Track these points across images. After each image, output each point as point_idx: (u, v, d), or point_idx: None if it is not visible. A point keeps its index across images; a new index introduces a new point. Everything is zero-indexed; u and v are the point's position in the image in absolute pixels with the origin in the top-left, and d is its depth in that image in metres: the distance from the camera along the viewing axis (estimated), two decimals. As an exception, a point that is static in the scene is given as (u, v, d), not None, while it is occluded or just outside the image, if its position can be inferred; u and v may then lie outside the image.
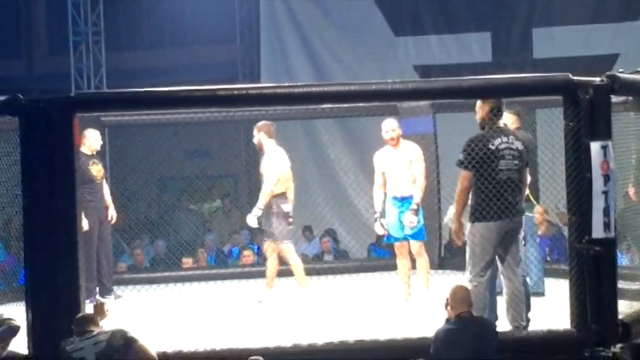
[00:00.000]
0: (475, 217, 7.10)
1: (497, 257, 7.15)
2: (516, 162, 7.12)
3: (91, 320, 6.27)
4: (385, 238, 9.17)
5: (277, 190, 8.93)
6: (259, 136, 9.03)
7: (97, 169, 9.26)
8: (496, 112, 7.21)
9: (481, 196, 7.05)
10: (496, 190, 7.00)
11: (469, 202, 7.16)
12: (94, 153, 9.30)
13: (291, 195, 9.10)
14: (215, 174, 14.50)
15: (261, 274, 10.62)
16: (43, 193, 6.75)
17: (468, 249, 7.20)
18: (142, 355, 6.08)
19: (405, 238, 8.67)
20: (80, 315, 6.49)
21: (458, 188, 7.25)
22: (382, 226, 8.79)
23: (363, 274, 10.55)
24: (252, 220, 8.96)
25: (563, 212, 9.04)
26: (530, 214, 8.57)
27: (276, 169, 8.92)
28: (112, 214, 9.58)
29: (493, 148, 7.06)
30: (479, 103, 7.30)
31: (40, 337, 6.72)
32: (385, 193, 8.74)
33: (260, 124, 9.06)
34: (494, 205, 7.00)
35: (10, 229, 9.73)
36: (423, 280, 8.61)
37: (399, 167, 8.56)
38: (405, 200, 8.54)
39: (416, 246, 8.64)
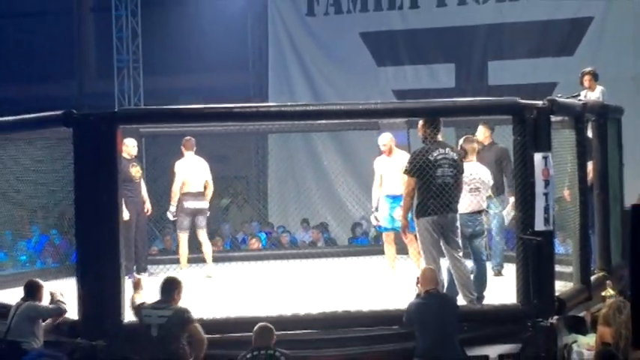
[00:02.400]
0: (419, 214, 7.09)
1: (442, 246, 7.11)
2: (451, 170, 7.05)
3: (173, 290, 6.17)
4: (378, 228, 9.11)
5: (184, 190, 9.15)
6: (182, 148, 9.31)
7: (135, 171, 9.25)
8: (434, 130, 7.15)
9: (422, 197, 7.03)
10: (433, 192, 6.97)
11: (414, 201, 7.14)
12: (132, 157, 9.30)
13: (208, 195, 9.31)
14: (230, 175, 14.46)
15: (267, 257, 10.69)
16: (91, 190, 6.76)
17: (419, 239, 7.20)
18: (195, 335, 6.04)
19: (394, 229, 8.51)
20: (167, 278, 6.41)
21: (404, 192, 7.26)
22: (376, 218, 8.71)
23: (349, 257, 10.55)
24: (168, 214, 9.35)
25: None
26: (495, 211, 8.54)
27: (179, 174, 9.14)
28: (148, 207, 9.58)
29: (432, 159, 7.00)
30: (420, 122, 7.26)
31: (88, 305, 6.73)
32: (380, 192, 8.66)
33: (184, 139, 9.32)
34: (431, 204, 6.97)
35: (64, 219, 9.74)
36: (415, 262, 8.30)
37: (392, 171, 8.39)
38: (395, 198, 8.36)
39: (408, 236, 8.57)
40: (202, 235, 9.37)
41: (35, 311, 6.62)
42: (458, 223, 7.18)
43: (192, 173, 9.20)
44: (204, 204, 9.27)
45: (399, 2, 14.05)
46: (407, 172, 7.12)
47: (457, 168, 7.11)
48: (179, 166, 9.20)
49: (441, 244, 7.10)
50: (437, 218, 7.00)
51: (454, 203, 7.10)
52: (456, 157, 7.14)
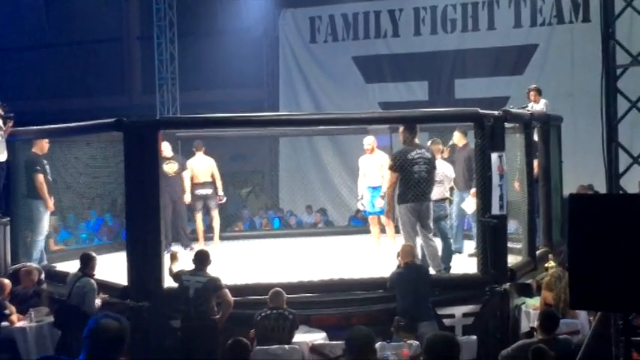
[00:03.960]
0: (400, 201, 7.05)
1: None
2: (426, 166, 7.01)
3: (205, 260, 6.14)
4: (364, 212, 9.18)
5: (195, 181, 9.25)
6: (193, 149, 9.39)
7: (168, 167, 9.12)
8: (412, 134, 7.09)
9: (402, 188, 7.00)
10: (411, 184, 6.93)
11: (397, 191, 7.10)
12: (165, 157, 9.19)
13: (218, 186, 9.31)
14: (249, 170, 14.44)
15: (278, 235, 10.64)
16: (138, 181, 6.73)
17: (400, 221, 7.16)
18: (224, 298, 6.02)
19: (376, 213, 8.54)
20: (200, 251, 6.36)
21: (387, 184, 7.22)
22: (362, 204, 8.74)
23: (344, 236, 10.52)
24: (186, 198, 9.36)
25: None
26: (456, 199, 8.44)
27: (188, 168, 9.24)
28: (186, 197, 9.43)
29: (410, 158, 6.96)
30: (401, 128, 7.23)
31: (135, 274, 6.72)
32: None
33: (195, 141, 9.39)
34: (409, 193, 6.94)
35: (116, 205, 9.71)
36: (391, 239, 8.32)
37: (373, 168, 8.42)
38: (375, 189, 8.39)
39: (384, 218, 8.51)
40: (214, 212, 9.51)
41: (86, 299, 6.41)
42: (431, 210, 7.15)
43: (200, 168, 9.29)
44: (209, 190, 9.33)
45: (383, 32, 14.02)
46: (390, 168, 7.09)
47: (430, 165, 7.08)
48: (190, 163, 9.31)
49: (417, 226, 7.06)
50: (414, 205, 6.97)
51: (428, 193, 7.07)
52: (429, 156, 7.11)
